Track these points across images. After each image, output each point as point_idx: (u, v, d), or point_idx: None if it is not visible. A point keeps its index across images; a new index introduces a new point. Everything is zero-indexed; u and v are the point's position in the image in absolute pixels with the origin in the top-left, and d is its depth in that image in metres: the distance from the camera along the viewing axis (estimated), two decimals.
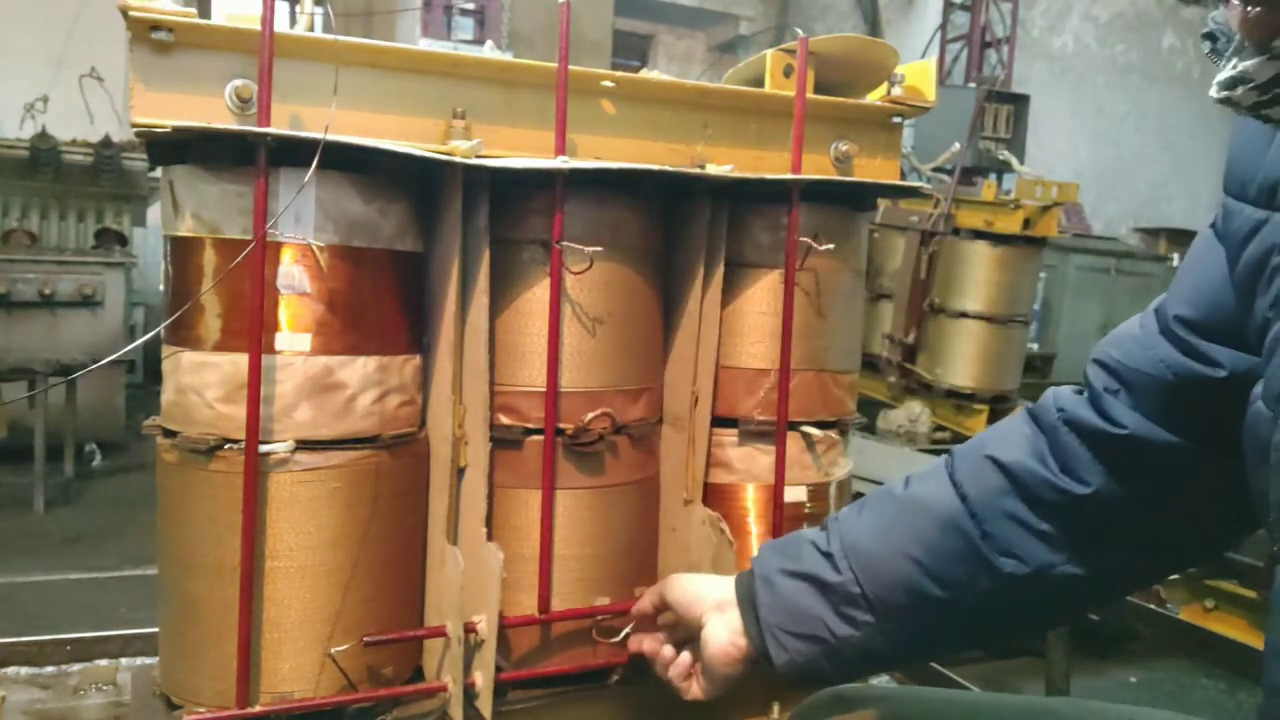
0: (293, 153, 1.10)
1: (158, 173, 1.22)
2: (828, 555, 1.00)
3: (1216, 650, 2.12)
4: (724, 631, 1.09)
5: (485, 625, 1.22)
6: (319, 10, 1.30)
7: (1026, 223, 3.73)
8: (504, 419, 1.32)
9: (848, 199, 1.48)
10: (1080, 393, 0.95)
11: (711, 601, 1.11)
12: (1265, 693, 0.70)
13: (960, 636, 1.03)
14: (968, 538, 0.94)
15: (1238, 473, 0.80)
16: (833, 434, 1.51)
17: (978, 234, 3.81)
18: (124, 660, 1.55)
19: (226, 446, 1.15)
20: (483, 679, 1.23)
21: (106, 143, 5.76)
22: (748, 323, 1.46)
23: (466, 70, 1.24)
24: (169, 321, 1.18)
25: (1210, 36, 0.65)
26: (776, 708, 1.48)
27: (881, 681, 1.70)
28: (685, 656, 1.17)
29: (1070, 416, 0.93)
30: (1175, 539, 0.95)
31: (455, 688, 1.20)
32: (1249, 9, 0.58)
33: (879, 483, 3.09)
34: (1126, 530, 0.93)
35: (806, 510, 1.49)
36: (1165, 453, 0.87)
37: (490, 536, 1.27)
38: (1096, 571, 0.94)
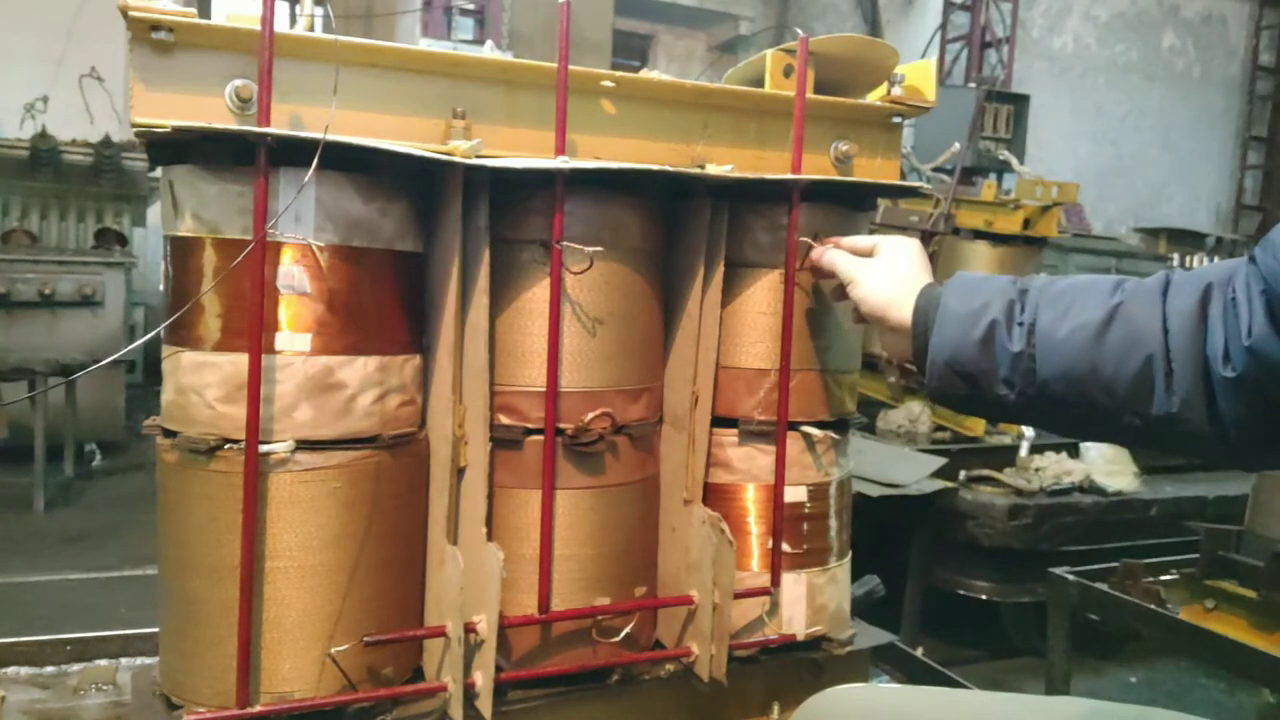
0: (293, 153, 1.10)
1: (158, 173, 1.22)
2: (1019, 324, 1.03)
3: (1216, 650, 2.12)
4: (892, 336, 1.20)
5: (485, 625, 1.22)
6: (319, 10, 1.30)
7: (1026, 223, 3.73)
8: (504, 419, 1.32)
9: (848, 199, 1.48)
10: None
11: (894, 308, 1.19)
12: None
13: (1099, 436, 1.08)
14: (1155, 372, 0.95)
15: None
16: (833, 434, 1.51)
17: (978, 234, 3.81)
18: (124, 660, 1.54)
19: (226, 446, 1.15)
20: (483, 679, 1.23)
21: (106, 143, 5.77)
22: (748, 323, 1.46)
23: (466, 70, 1.24)
24: (169, 322, 1.18)
25: None
26: (776, 708, 1.49)
27: (881, 681, 1.70)
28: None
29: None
30: None
31: (455, 688, 1.20)
32: None
33: (879, 483, 3.10)
34: None
35: (806, 510, 1.49)
36: None
37: (490, 536, 1.27)
38: (1260, 453, 0.97)
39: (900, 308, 1.17)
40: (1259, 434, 0.93)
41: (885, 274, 1.23)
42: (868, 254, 1.29)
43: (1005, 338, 1.02)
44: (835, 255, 1.32)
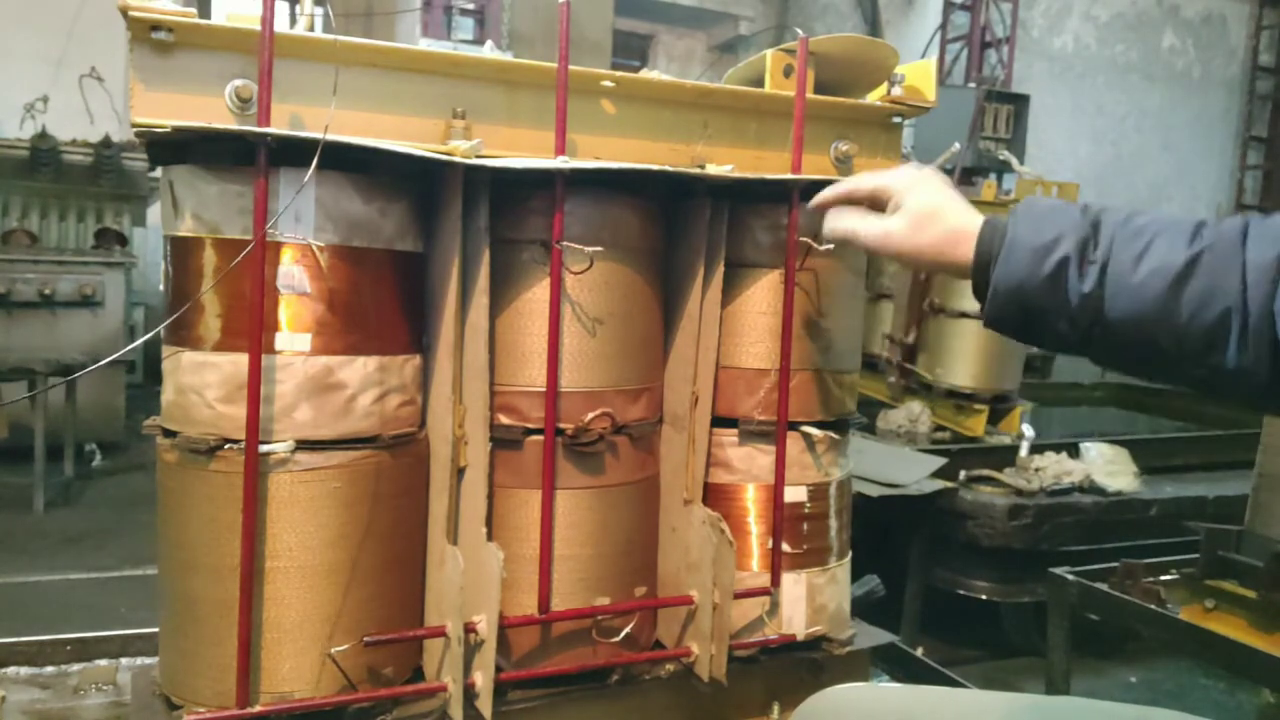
0: (293, 153, 1.10)
1: (158, 173, 1.22)
2: (1091, 263, 0.96)
3: (1216, 650, 2.12)
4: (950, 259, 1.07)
5: (485, 625, 1.22)
6: (319, 10, 1.30)
7: None
8: (504, 419, 1.32)
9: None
10: None
11: (958, 247, 1.06)
12: None
13: (1156, 377, 1.04)
14: (1232, 326, 0.91)
15: None
16: (833, 434, 1.51)
17: None
18: (124, 660, 1.55)
19: (226, 446, 1.15)
20: (483, 679, 1.23)
21: (106, 143, 5.76)
22: (748, 323, 1.46)
23: (466, 70, 1.24)
24: (169, 321, 1.18)
25: None
26: (776, 708, 1.49)
27: (881, 681, 1.70)
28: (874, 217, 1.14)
29: None
30: None
31: (455, 688, 1.20)
32: None
33: (879, 483, 3.10)
34: None
35: (806, 510, 1.49)
36: None
37: (490, 536, 1.27)
38: None
39: (964, 246, 1.04)
40: None
41: (928, 218, 1.08)
42: (872, 198, 1.16)
43: (1076, 276, 0.96)
44: (847, 223, 1.16)
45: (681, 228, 1.43)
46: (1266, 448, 2.30)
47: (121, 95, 6.44)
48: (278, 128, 1.10)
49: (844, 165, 1.46)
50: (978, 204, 3.94)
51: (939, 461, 3.27)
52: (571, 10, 1.23)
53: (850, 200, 1.18)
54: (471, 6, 7.33)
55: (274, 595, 1.16)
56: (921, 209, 1.08)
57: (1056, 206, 1.01)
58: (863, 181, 1.18)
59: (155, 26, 1.08)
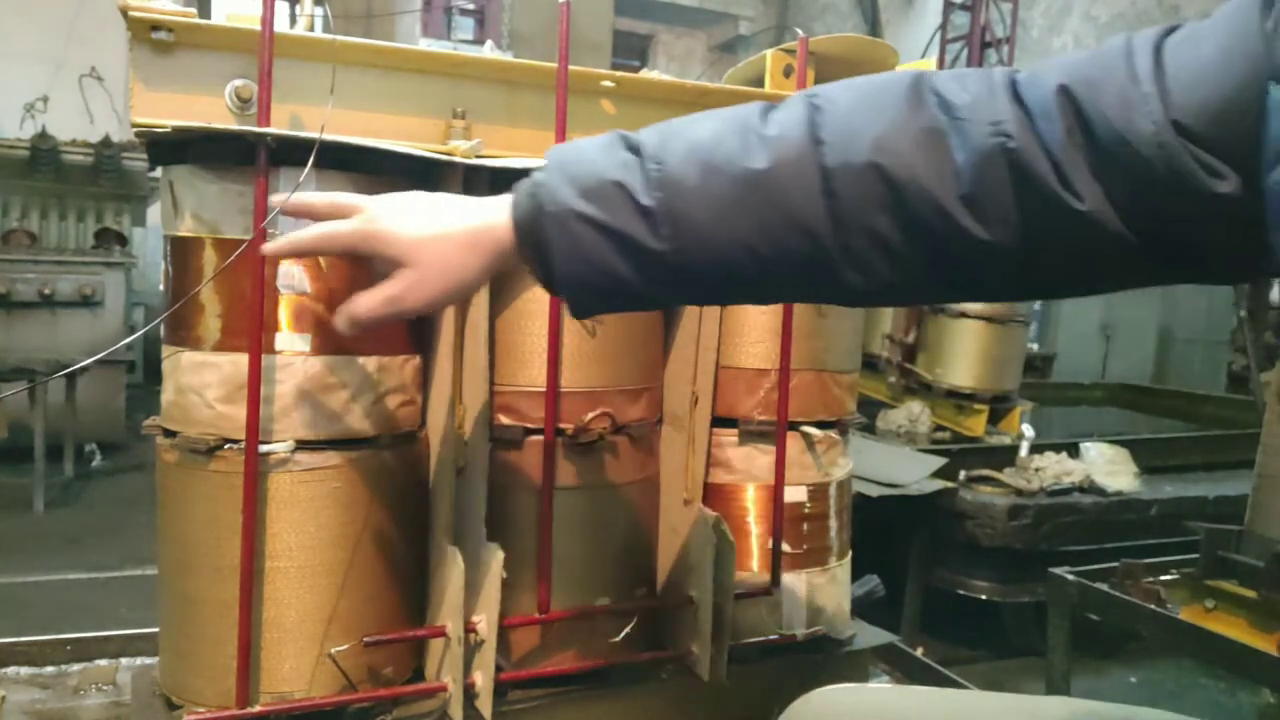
0: (293, 152, 1.10)
1: (158, 173, 1.22)
2: (647, 214, 0.78)
3: (1216, 650, 2.12)
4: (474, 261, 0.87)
5: (485, 625, 1.22)
6: (319, 10, 1.30)
7: None
8: (504, 419, 1.32)
9: None
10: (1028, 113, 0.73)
11: (463, 237, 0.87)
12: None
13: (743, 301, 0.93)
14: (820, 244, 0.77)
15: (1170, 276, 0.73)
16: (833, 434, 1.51)
17: None
18: (124, 660, 1.55)
19: (226, 446, 1.15)
20: (483, 679, 1.22)
21: (106, 143, 5.76)
22: (748, 323, 1.46)
23: (466, 70, 1.24)
24: (164, 316, 1.18)
25: None
26: (776, 708, 1.48)
27: (881, 681, 1.70)
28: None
29: (1019, 147, 0.71)
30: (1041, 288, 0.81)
31: (455, 688, 1.20)
32: None
33: (879, 483, 3.10)
34: (1006, 283, 0.79)
35: (806, 510, 1.49)
36: (1107, 241, 0.71)
37: (490, 536, 1.27)
38: (940, 298, 0.85)
39: (500, 249, 0.86)
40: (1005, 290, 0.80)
41: (422, 209, 0.88)
42: (349, 254, 0.96)
43: (638, 235, 0.79)
44: (317, 232, 0.92)
45: None
46: (1266, 448, 2.30)
47: (121, 95, 6.44)
48: (277, 128, 1.10)
49: None
50: None
51: (939, 461, 3.27)
52: (571, 10, 1.23)
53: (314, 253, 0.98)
54: (471, 6, 7.33)
55: (274, 595, 1.16)
56: (413, 234, 0.87)
57: (581, 148, 0.84)
58: (328, 241, 0.93)
59: (155, 26, 1.08)
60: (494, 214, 0.86)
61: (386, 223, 0.88)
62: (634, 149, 0.81)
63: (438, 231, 0.87)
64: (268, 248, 0.97)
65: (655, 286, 0.82)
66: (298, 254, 1.04)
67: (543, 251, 0.83)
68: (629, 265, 0.80)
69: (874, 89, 0.79)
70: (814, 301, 0.87)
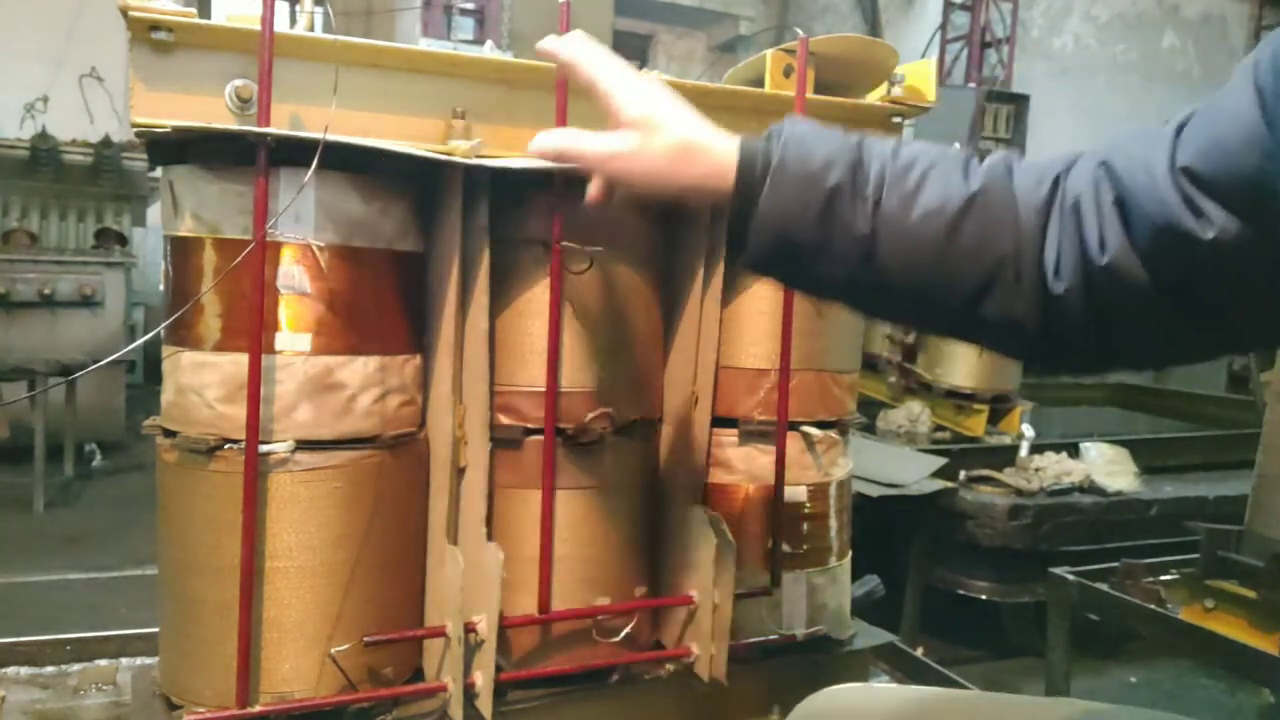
0: (293, 152, 1.10)
1: (158, 173, 1.22)
2: (863, 199, 0.84)
3: (1216, 650, 2.12)
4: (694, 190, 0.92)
5: (485, 625, 1.22)
6: (319, 10, 1.30)
7: None
8: (504, 419, 1.32)
9: None
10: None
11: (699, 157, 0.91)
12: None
13: (915, 324, 0.97)
14: (1005, 274, 0.83)
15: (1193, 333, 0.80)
16: (833, 434, 1.51)
17: None
18: (124, 660, 1.55)
19: (226, 446, 1.15)
20: (483, 679, 1.22)
21: (106, 143, 5.76)
22: (748, 323, 1.46)
23: (466, 70, 1.24)
24: (169, 321, 1.18)
25: None
26: (776, 708, 1.49)
27: (880, 681, 1.70)
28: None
29: (1079, 207, 0.81)
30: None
31: (455, 688, 1.20)
32: None
33: (879, 482, 3.10)
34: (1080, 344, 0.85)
35: (806, 510, 1.49)
36: (1138, 293, 0.79)
37: (490, 536, 1.27)
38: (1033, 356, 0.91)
39: (719, 174, 0.89)
40: (1083, 346, 0.86)
41: (681, 148, 0.91)
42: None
43: (849, 211, 0.84)
44: (568, 139, 0.99)
45: (681, 228, 1.43)
46: (1266, 448, 2.30)
47: (121, 95, 6.44)
48: (278, 128, 1.10)
49: None
50: None
51: (939, 461, 3.27)
52: (571, 10, 1.23)
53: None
54: (471, 6, 7.33)
55: (274, 595, 1.16)
56: (669, 133, 0.91)
57: (820, 130, 0.88)
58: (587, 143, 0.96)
59: (155, 26, 1.08)
60: (729, 149, 0.90)
61: (638, 108, 0.93)
62: (859, 147, 0.87)
63: (702, 140, 0.91)
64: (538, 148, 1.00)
65: (840, 265, 0.86)
66: (567, 151, 1.00)
67: (752, 194, 0.86)
68: (827, 226, 0.84)
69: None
70: (964, 333, 0.93)
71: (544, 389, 1.29)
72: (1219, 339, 0.83)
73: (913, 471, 3.21)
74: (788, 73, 1.42)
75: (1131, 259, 0.78)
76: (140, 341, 1.40)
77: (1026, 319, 0.84)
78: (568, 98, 1.23)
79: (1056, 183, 0.84)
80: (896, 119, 1.48)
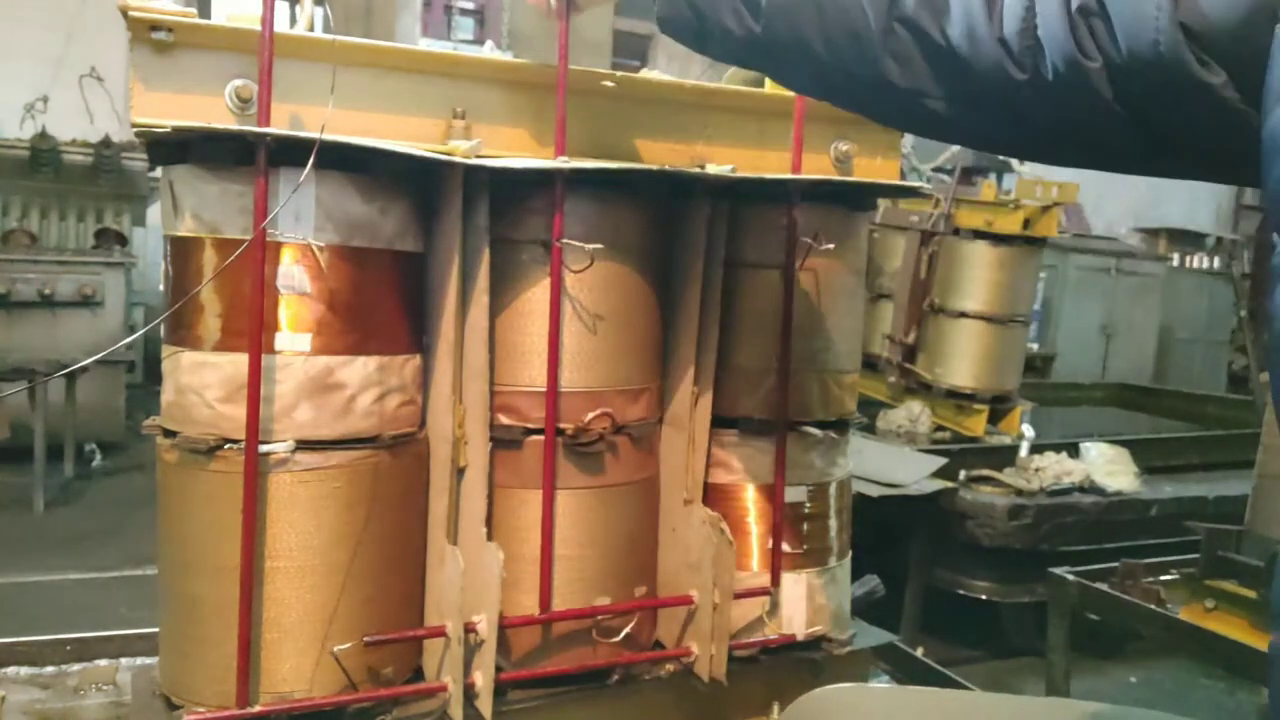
0: (293, 152, 1.10)
1: (158, 173, 1.22)
2: None
3: (1216, 650, 2.12)
4: None
5: (485, 625, 1.22)
6: (319, 10, 1.30)
7: (1026, 223, 3.73)
8: (504, 419, 1.32)
9: (848, 199, 1.48)
10: None
11: None
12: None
13: (816, 90, 1.00)
14: (869, 27, 0.86)
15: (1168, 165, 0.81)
16: (833, 434, 1.51)
17: (978, 234, 3.80)
18: (124, 660, 1.55)
19: (226, 446, 1.15)
20: (483, 679, 1.22)
21: (106, 143, 5.76)
22: (748, 323, 1.46)
23: (466, 70, 1.24)
24: (164, 316, 1.18)
25: None
26: (776, 708, 1.49)
27: (880, 681, 1.70)
28: None
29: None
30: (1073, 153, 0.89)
31: (455, 688, 1.20)
32: None
33: (879, 482, 3.10)
34: (1010, 119, 0.85)
35: (806, 510, 1.49)
36: (1099, 110, 0.78)
37: (490, 536, 1.27)
38: (965, 128, 0.91)
39: None
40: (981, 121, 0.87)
41: None
42: None
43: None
44: None
45: (681, 228, 1.43)
46: (1266, 448, 2.29)
47: (121, 95, 6.44)
48: (278, 128, 1.10)
49: (844, 165, 1.46)
50: (978, 204, 3.95)
51: (939, 461, 3.26)
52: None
53: None
54: (471, 6, 7.32)
55: (274, 595, 1.16)
56: None
57: None
58: None
59: (155, 26, 1.08)
60: None
61: None
62: None
63: None
64: None
65: (734, 18, 0.93)
66: None
67: None
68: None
69: None
70: (844, 97, 0.94)
71: (544, 389, 1.29)
72: (1164, 162, 0.83)
73: (913, 471, 3.21)
74: None
75: (1104, 83, 0.77)
76: (139, 334, 1.40)
77: (907, 81, 0.85)
78: (567, 98, 1.23)
79: None
80: None
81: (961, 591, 3.27)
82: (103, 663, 1.54)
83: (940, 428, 3.86)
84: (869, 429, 3.83)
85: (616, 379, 1.35)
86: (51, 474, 4.33)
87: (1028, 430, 3.65)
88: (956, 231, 3.88)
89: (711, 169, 1.33)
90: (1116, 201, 11.80)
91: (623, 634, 1.37)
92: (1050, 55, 0.78)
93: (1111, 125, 0.79)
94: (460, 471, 1.28)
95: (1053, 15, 0.78)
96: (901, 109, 0.90)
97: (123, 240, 5.56)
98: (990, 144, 0.95)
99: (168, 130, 1.07)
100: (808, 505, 1.49)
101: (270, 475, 1.15)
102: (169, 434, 1.19)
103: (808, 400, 1.47)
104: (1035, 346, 6.39)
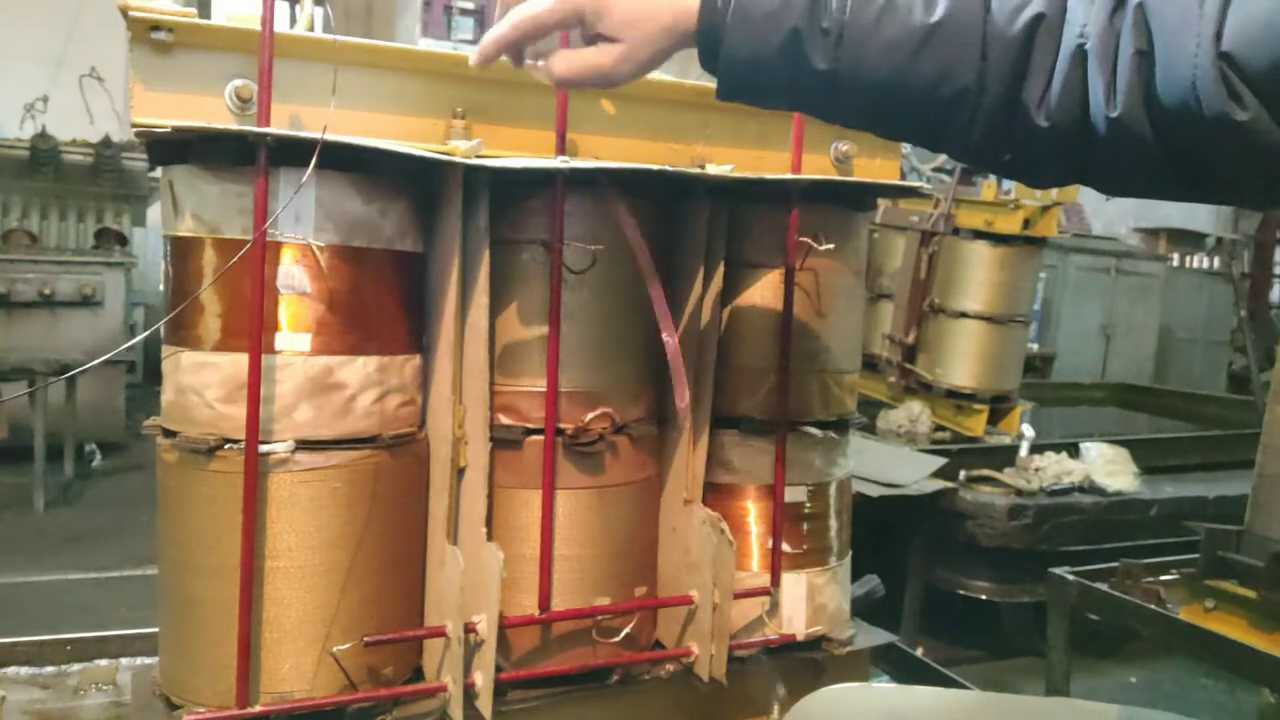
0: (293, 153, 1.10)
1: (158, 173, 1.22)
2: (823, 31, 0.86)
3: (1216, 650, 2.12)
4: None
5: (485, 625, 1.22)
6: (319, 10, 1.30)
7: (1026, 223, 3.73)
8: (504, 419, 1.32)
9: (847, 199, 1.48)
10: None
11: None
12: None
13: (905, 140, 1.00)
14: (964, 107, 0.85)
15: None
16: (833, 434, 1.51)
17: (978, 234, 3.81)
18: (124, 660, 1.55)
19: (226, 446, 1.15)
20: (483, 679, 1.23)
21: (106, 143, 5.76)
22: (748, 323, 1.46)
23: (466, 70, 1.24)
24: (168, 319, 1.18)
25: None
26: (776, 708, 1.49)
27: (881, 681, 1.70)
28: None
29: (1092, 50, 0.79)
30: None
31: (455, 688, 1.20)
32: None
33: (879, 483, 3.10)
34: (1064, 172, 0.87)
35: (806, 510, 1.49)
36: (1138, 149, 0.78)
37: (490, 536, 1.27)
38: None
39: (684, 24, 0.91)
40: (1063, 178, 0.88)
41: (640, 17, 0.93)
42: (564, 26, 0.97)
43: (809, 49, 0.85)
44: (574, 62, 0.96)
45: (681, 228, 1.43)
46: (1266, 448, 2.29)
47: (121, 95, 6.44)
48: (278, 128, 1.10)
49: (844, 165, 1.46)
50: (978, 204, 3.95)
51: (939, 461, 3.27)
52: None
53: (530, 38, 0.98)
54: (471, 6, 7.33)
55: (274, 595, 1.16)
56: (628, 10, 0.92)
57: None
58: (541, 12, 0.95)
59: (155, 26, 1.08)
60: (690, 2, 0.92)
61: None
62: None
63: (648, 10, 0.92)
64: (482, 55, 0.98)
65: (812, 101, 0.90)
66: (512, 42, 0.99)
67: (717, 34, 0.89)
68: (791, 65, 0.87)
69: None
70: (935, 147, 0.94)
71: (544, 389, 1.29)
72: (1203, 194, 0.83)
73: (912, 471, 3.21)
74: None
75: (1141, 118, 0.77)
76: (141, 337, 1.40)
77: (991, 146, 0.85)
78: (568, 98, 1.23)
79: (1041, 16, 0.82)
80: None
81: (961, 591, 3.28)
82: (103, 663, 1.54)
83: (940, 428, 3.86)
84: (869, 429, 3.83)
85: (617, 379, 1.35)
86: (51, 474, 4.33)
87: (1028, 430, 3.66)
88: (956, 231, 3.88)
89: (711, 169, 1.33)
90: (1116, 202, 11.78)
91: (623, 634, 1.37)
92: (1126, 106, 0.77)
93: (1151, 161, 0.79)
94: (460, 471, 1.28)
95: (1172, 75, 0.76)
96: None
97: (123, 240, 5.56)
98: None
99: (168, 130, 1.07)
100: (808, 505, 1.49)
101: (270, 475, 1.15)
102: (169, 434, 1.19)
103: (808, 400, 1.47)
104: (1035, 346, 6.39)
